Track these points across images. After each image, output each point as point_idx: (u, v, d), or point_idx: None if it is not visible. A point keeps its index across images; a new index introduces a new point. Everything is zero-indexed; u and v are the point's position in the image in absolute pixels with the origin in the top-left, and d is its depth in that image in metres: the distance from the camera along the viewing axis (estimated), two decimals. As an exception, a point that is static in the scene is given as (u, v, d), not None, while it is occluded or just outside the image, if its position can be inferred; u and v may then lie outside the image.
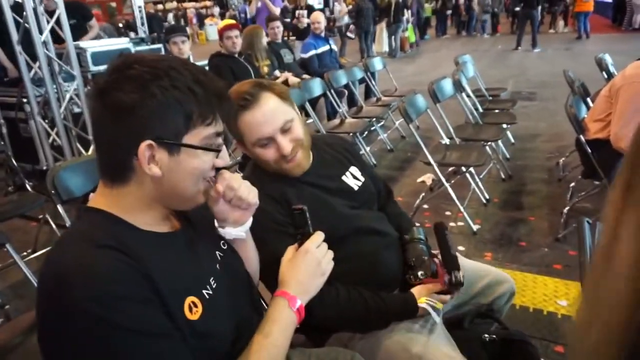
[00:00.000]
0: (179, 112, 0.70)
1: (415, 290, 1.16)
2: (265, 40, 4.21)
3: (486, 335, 1.20)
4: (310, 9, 7.22)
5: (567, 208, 2.75)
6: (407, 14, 11.26)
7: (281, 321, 0.84)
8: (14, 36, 3.25)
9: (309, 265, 0.89)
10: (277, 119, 1.09)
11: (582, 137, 2.41)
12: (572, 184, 3.07)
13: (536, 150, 4.11)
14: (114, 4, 12.81)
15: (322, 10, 9.21)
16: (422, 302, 1.13)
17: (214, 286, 0.79)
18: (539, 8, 10.22)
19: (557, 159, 3.69)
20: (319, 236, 0.93)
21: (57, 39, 3.45)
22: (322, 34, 4.91)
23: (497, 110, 3.99)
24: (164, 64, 0.71)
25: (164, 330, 0.67)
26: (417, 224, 1.37)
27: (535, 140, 4.38)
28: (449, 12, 14.85)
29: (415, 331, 1.13)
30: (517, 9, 10.65)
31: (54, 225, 2.74)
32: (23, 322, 1.47)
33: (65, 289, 0.62)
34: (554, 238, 2.59)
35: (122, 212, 0.73)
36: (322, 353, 1.06)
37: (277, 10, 6.49)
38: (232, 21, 3.72)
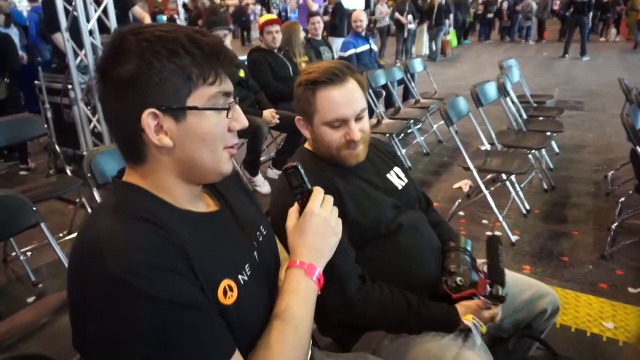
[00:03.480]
0: (177, 75, 0.67)
1: (461, 307, 1.09)
2: (302, 36, 4.18)
3: (532, 360, 1.12)
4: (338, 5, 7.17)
5: (615, 224, 2.58)
6: (451, 18, 11.04)
7: (300, 292, 0.77)
8: (63, 24, 3.34)
9: (318, 227, 0.82)
10: (357, 105, 1.11)
11: (638, 149, 2.25)
12: (622, 200, 2.88)
13: (582, 162, 3.90)
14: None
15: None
16: (469, 320, 1.06)
17: (249, 273, 0.75)
18: (590, 15, 9.73)
19: (605, 172, 3.49)
20: (319, 193, 0.84)
21: (102, 29, 3.53)
22: (363, 33, 4.85)
23: (542, 118, 3.81)
24: (156, 30, 0.67)
25: (199, 303, 0.64)
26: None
27: (582, 151, 4.16)
28: (491, 15, 14.41)
29: (448, 340, 1.07)
30: (567, 14, 10.20)
31: (89, 209, 2.80)
32: (53, 301, 1.49)
33: (98, 259, 0.60)
34: (600, 255, 2.43)
35: (155, 190, 0.71)
36: (350, 359, 1.01)
37: (315, 7, 6.48)
38: (274, 16, 3.71)
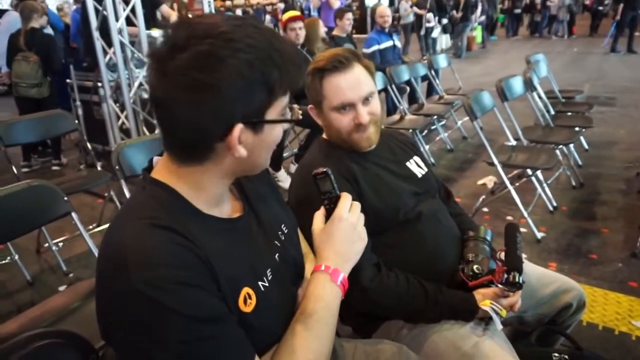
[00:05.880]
0: (263, 87, 0.65)
1: (478, 294, 1.08)
2: (322, 32, 4.17)
3: (556, 355, 1.09)
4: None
5: (646, 222, 2.51)
6: (477, 13, 10.84)
7: (325, 297, 0.78)
8: (93, 22, 3.44)
9: (345, 233, 0.82)
10: (363, 88, 1.12)
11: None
12: (655, 197, 2.80)
13: (613, 158, 3.78)
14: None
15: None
16: (486, 305, 1.04)
17: (269, 277, 0.76)
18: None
19: (637, 169, 3.38)
20: (347, 199, 0.85)
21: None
22: (387, 30, 4.82)
23: (570, 113, 3.71)
24: (239, 33, 0.64)
25: (220, 315, 0.64)
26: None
27: (612, 147, 4.03)
28: (518, 11, 14.06)
29: (467, 329, 1.06)
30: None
31: (118, 203, 2.88)
32: (82, 288, 1.55)
33: (122, 270, 0.61)
34: (630, 253, 2.36)
35: (185, 190, 0.70)
36: (368, 344, 1.01)
37: (337, 4, 6.45)
38: (297, 13, 3.73)
